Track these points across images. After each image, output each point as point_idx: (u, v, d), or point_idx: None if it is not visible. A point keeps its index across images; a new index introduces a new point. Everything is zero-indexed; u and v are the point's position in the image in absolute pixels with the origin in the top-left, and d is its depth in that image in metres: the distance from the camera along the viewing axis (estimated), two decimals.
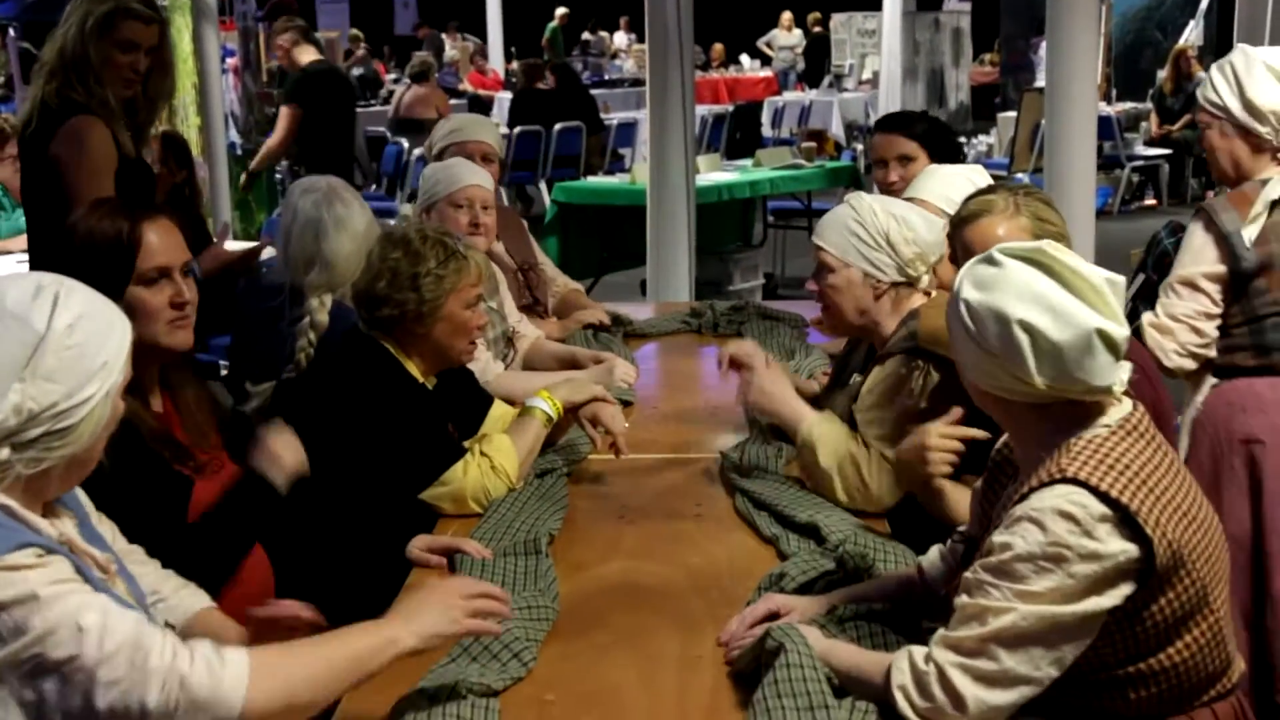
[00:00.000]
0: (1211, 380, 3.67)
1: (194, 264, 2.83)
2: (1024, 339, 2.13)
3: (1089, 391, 2.15)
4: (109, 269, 2.66)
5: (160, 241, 2.78)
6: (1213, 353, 3.62)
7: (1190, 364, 3.61)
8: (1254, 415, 3.59)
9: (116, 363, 2.02)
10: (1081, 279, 2.15)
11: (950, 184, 3.63)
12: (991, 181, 3.57)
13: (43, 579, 1.86)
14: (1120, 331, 2.14)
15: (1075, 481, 2.09)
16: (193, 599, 2.49)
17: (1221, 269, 3.57)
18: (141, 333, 2.46)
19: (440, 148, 4.79)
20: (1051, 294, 2.14)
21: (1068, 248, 3.00)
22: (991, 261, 2.21)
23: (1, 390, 1.90)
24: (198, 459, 2.79)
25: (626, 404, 4.04)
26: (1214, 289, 3.58)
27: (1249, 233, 3.53)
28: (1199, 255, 3.59)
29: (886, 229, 3.18)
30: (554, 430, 3.46)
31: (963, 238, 3.02)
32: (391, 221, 4.71)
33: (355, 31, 20.98)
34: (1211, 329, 3.60)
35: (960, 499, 2.83)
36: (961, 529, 2.56)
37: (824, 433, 3.18)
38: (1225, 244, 3.56)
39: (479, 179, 4.31)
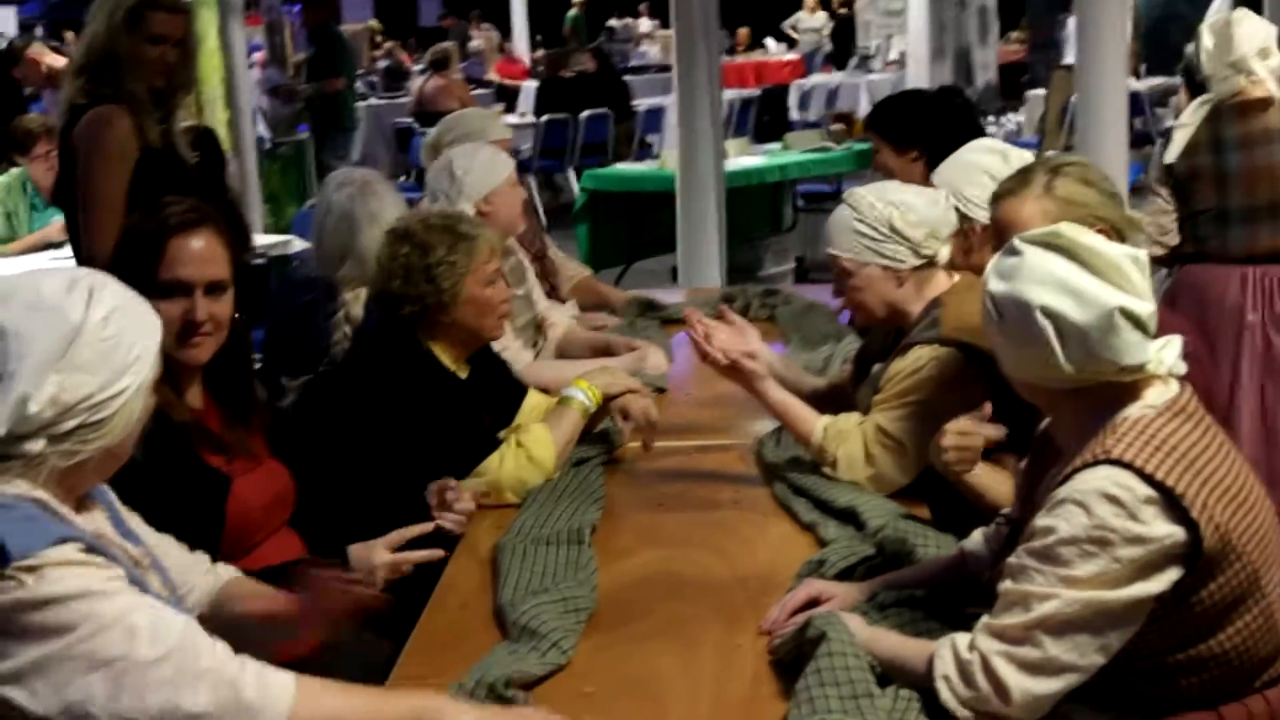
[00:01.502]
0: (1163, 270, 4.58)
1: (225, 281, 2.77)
2: (1047, 325, 2.12)
3: (1121, 371, 2.13)
4: (131, 271, 2.63)
5: (188, 254, 2.71)
6: (1174, 240, 4.50)
7: (1157, 250, 4.46)
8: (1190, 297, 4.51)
9: (149, 356, 2.03)
10: (1101, 258, 2.14)
11: (963, 175, 3.55)
12: (1017, 157, 3.51)
13: (91, 576, 1.87)
14: (1145, 307, 2.13)
15: (1119, 463, 2.06)
16: (222, 572, 2.50)
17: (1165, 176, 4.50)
18: None
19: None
20: (1071, 277, 2.13)
21: (1108, 224, 2.98)
22: (1012, 251, 2.21)
23: (38, 381, 1.90)
24: (233, 451, 2.77)
25: (659, 391, 4.03)
26: (1164, 191, 4.52)
27: (1173, 148, 4.40)
28: (1154, 166, 4.65)
29: (889, 218, 3.17)
30: (590, 419, 3.45)
31: (994, 217, 2.99)
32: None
33: (373, 23, 20.96)
34: (1169, 222, 4.50)
35: (994, 483, 2.81)
36: (1005, 511, 2.54)
37: (830, 432, 3.18)
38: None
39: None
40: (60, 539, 1.87)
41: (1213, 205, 4.43)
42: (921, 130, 4.47)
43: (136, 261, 2.67)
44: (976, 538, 2.57)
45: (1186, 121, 4.47)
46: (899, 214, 3.17)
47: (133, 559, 2.10)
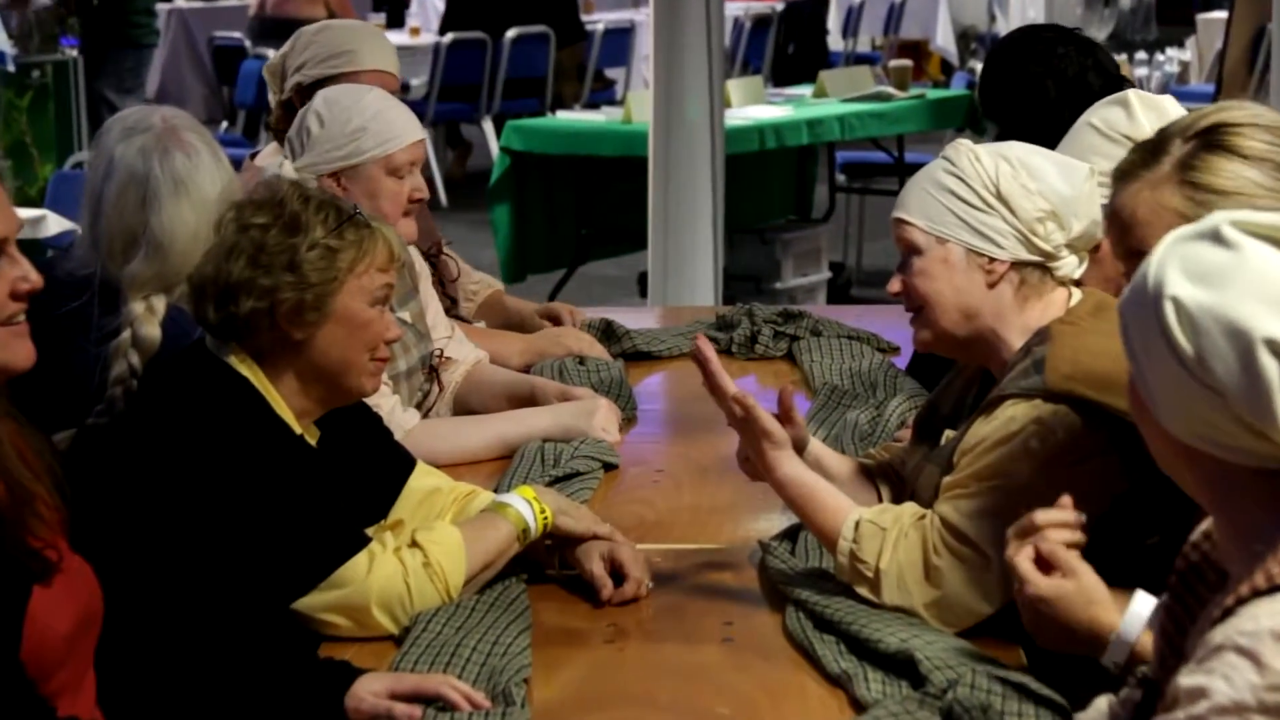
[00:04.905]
0: None
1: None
2: (1273, 369, 2.08)
3: None
4: None
5: None
6: None
7: None
8: None
9: None
10: None
11: (1070, 142, 3.63)
12: (1143, 106, 3.58)
13: None
14: None
15: None
16: None
17: None
18: None
19: (315, 75, 4.80)
20: None
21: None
22: (1218, 238, 2.15)
23: None
24: (33, 540, 2.76)
25: (609, 468, 4.07)
26: None
27: None
28: None
29: (995, 177, 3.21)
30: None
31: (1111, 203, 3.02)
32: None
33: None
34: None
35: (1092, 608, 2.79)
36: (1143, 669, 2.55)
37: (866, 531, 3.19)
38: None
39: (421, 129, 4.37)
40: None
41: None
42: (1000, 101, 4.55)
43: None
44: (1100, 707, 2.58)
45: None
46: (1012, 173, 3.21)
47: None
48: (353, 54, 4.83)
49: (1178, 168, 2.91)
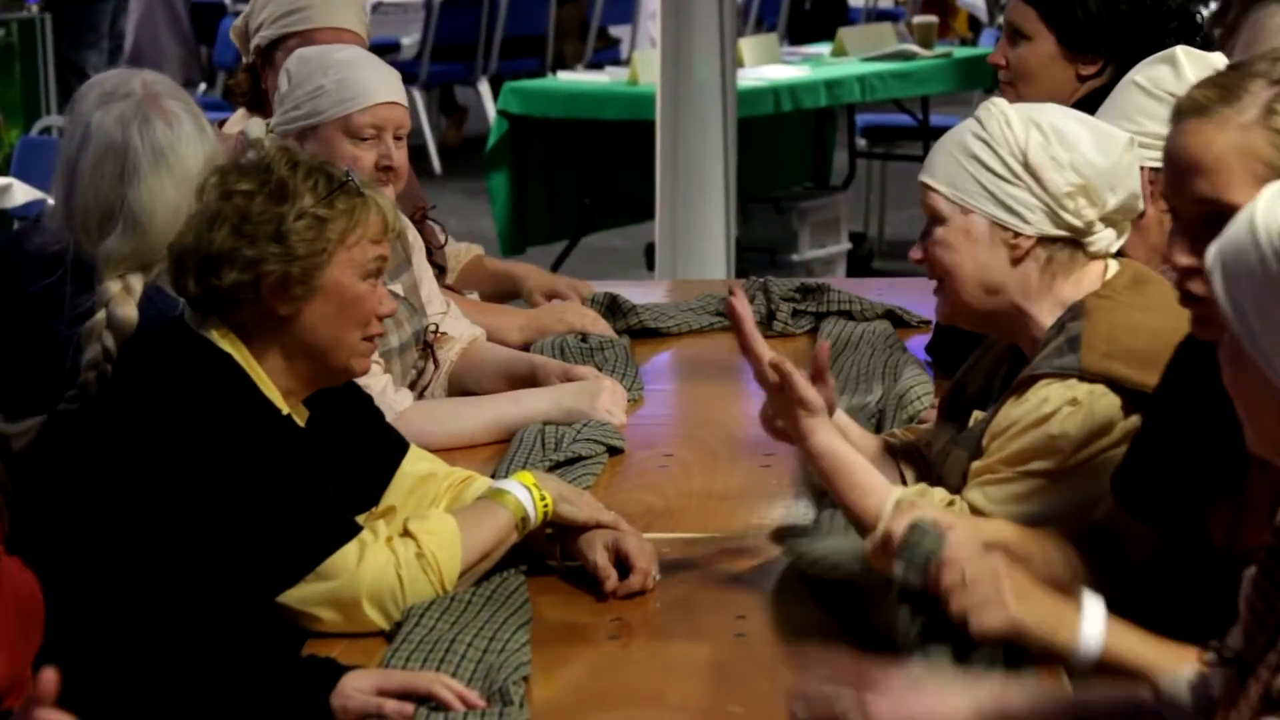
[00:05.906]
0: None
1: None
2: None
3: None
4: None
5: None
6: None
7: None
8: None
9: None
10: None
11: (1114, 100, 3.63)
12: (1192, 62, 3.56)
13: None
14: None
15: None
16: None
17: None
18: None
19: (270, 36, 4.81)
20: None
21: None
22: None
23: None
24: None
25: (614, 452, 4.08)
26: None
27: None
28: None
29: (1024, 145, 3.20)
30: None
31: (1167, 149, 2.85)
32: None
33: None
34: None
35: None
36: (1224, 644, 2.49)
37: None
38: None
39: (395, 91, 4.34)
40: None
41: None
42: (1117, 26, 4.51)
43: None
44: (1178, 684, 2.53)
45: None
46: (1042, 141, 3.20)
47: None
48: (306, 11, 4.81)
49: (1265, 112, 2.73)
